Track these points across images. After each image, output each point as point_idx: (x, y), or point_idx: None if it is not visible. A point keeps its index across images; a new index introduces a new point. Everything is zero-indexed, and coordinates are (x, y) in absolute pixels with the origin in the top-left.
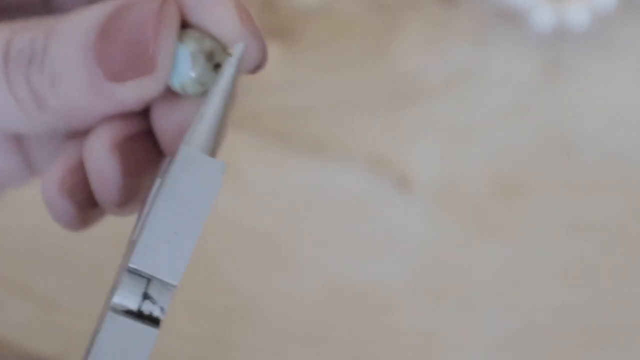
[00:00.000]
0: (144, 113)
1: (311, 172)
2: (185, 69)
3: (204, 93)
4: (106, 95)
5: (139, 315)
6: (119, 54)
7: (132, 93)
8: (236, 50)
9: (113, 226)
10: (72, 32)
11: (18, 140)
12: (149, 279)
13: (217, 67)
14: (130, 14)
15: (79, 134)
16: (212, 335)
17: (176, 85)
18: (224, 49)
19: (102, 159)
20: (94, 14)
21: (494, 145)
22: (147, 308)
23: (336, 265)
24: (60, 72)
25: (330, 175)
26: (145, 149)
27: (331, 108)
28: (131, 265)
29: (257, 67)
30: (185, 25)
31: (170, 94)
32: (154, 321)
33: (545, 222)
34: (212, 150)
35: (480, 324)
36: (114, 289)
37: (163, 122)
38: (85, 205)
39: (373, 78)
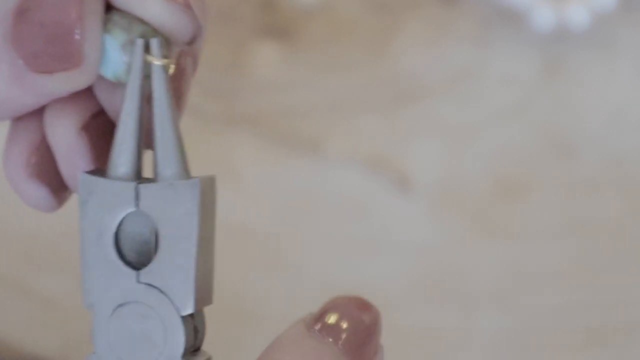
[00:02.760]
0: None
1: (311, 172)
2: (116, 61)
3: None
4: (32, 87)
5: None
6: (39, 40)
7: (60, 85)
8: (138, 46)
9: None
10: None
11: None
12: None
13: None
14: None
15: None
16: (212, 336)
17: (109, 75)
18: (155, 31)
19: (70, 144)
20: None
21: (494, 145)
22: None
23: (336, 265)
24: None
25: (330, 175)
26: (112, 123)
27: (331, 108)
28: None
29: (192, 39)
30: (109, 6)
31: None
32: None
33: (545, 222)
34: (136, 154)
35: (480, 324)
36: None
37: (108, 102)
38: (55, 183)
39: (373, 78)
